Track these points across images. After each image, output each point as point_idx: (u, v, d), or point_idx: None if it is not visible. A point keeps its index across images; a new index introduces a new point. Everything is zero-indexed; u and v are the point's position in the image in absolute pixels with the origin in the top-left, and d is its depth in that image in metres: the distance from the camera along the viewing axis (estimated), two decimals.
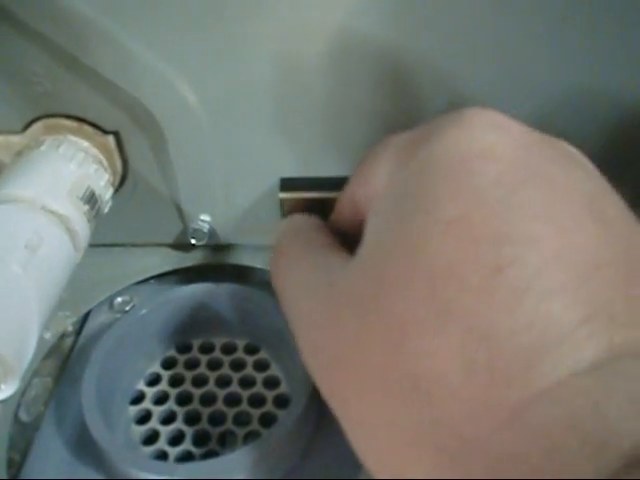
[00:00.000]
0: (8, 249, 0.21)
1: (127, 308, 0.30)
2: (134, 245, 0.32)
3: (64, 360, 0.29)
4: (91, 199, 0.26)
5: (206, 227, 0.31)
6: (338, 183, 0.28)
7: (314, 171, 0.28)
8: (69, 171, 0.26)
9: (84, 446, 0.25)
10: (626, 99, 0.25)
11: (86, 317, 0.30)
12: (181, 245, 0.32)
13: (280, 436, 0.23)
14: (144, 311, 0.27)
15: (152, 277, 0.32)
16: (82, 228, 0.25)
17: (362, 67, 0.25)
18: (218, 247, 0.32)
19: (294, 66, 0.25)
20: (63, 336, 0.30)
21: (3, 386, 0.20)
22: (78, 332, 0.30)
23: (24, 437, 0.26)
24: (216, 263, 0.32)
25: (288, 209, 0.29)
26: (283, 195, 0.28)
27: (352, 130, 0.27)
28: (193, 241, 0.31)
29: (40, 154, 0.26)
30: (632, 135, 0.27)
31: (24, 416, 0.26)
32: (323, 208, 0.27)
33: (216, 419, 0.26)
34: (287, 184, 0.28)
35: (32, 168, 0.25)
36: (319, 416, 0.25)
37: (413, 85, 0.26)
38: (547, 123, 0.17)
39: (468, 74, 0.25)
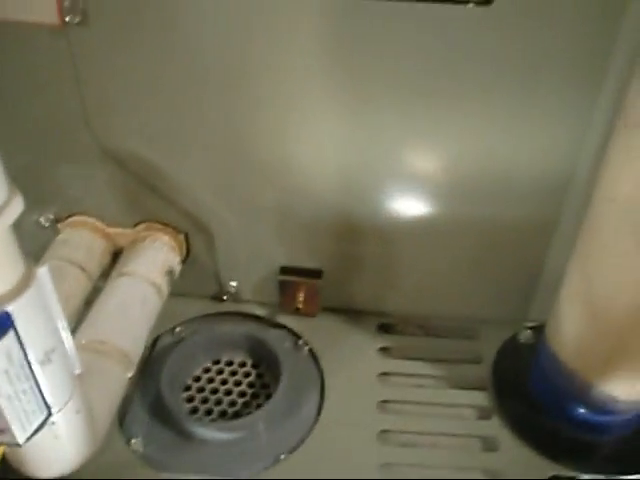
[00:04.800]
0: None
1: (182, 335, 0.50)
2: (188, 296, 0.52)
3: (144, 362, 0.48)
4: (170, 273, 0.46)
5: (233, 289, 0.51)
6: (311, 273, 0.48)
7: (298, 263, 0.48)
8: (159, 258, 0.46)
9: (159, 411, 0.44)
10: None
11: (156, 339, 0.50)
12: (217, 298, 0.52)
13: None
14: (196, 337, 0.47)
15: (198, 317, 0.52)
16: (164, 288, 0.45)
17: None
18: (240, 301, 0.52)
19: (284, 195, 0.45)
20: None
21: (129, 374, 0.39)
22: (151, 349, 0.49)
23: (123, 406, 0.45)
24: (238, 311, 0.52)
25: (282, 285, 0.48)
26: (280, 277, 0.48)
27: (322, 238, 0.47)
28: (225, 297, 0.51)
29: (145, 247, 0.46)
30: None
31: None
32: (300, 289, 0.47)
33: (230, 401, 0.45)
34: (284, 270, 0.48)
35: (142, 256, 0.45)
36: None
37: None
38: None
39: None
